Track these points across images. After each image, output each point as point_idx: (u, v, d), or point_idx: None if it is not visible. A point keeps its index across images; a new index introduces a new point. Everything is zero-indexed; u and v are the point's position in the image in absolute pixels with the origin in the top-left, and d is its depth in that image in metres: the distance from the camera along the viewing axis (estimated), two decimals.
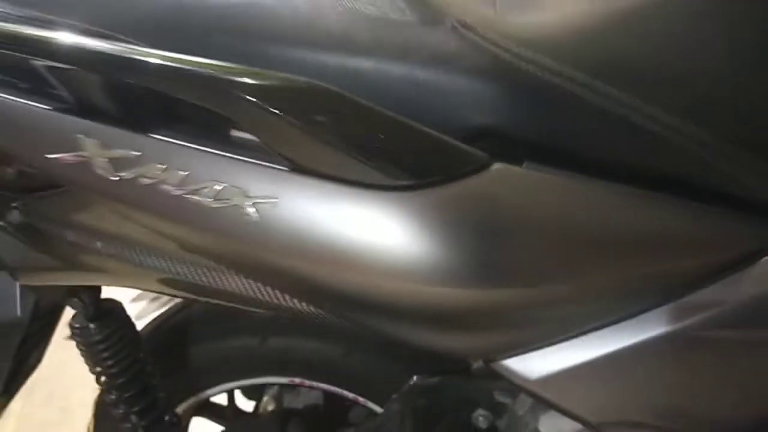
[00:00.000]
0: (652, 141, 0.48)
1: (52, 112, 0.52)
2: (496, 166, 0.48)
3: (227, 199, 0.49)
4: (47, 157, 0.52)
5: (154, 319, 0.87)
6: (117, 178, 0.51)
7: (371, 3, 0.52)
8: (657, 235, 0.50)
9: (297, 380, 0.84)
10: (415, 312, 0.53)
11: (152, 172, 0.50)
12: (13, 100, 0.53)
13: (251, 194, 0.49)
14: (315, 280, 0.52)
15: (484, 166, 0.47)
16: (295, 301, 0.56)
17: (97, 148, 0.50)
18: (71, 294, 0.73)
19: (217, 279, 0.57)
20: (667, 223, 0.50)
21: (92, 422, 0.93)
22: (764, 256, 0.50)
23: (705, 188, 0.50)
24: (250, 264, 0.53)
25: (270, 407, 0.92)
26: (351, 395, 0.84)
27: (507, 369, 0.57)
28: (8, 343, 0.77)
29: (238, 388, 0.87)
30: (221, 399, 0.95)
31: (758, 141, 0.49)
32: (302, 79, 0.46)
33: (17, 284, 0.77)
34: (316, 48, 0.50)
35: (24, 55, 0.51)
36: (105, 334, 0.75)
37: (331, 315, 0.56)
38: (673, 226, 0.50)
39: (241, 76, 0.45)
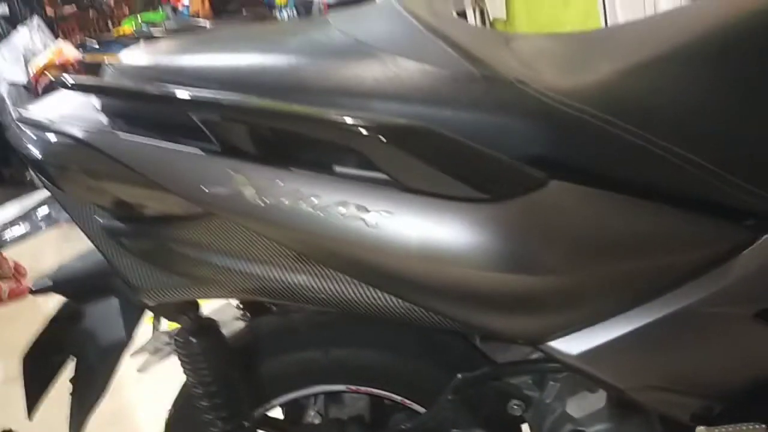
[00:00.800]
0: (663, 165, 0.66)
1: (204, 154, 0.67)
2: (553, 183, 0.64)
3: (352, 214, 0.64)
4: (202, 189, 0.66)
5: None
6: (263, 204, 0.65)
7: (446, 66, 0.68)
8: (668, 236, 0.67)
9: (353, 387, 0.97)
10: (487, 298, 0.68)
11: (291, 197, 0.64)
12: (171, 147, 0.68)
13: (371, 209, 0.64)
14: (414, 275, 0.67)
15: (543, 183, 0.64)
16: (391, 297, 0.71)
17: (245, 180, 0.65)
18: (180, 311, 0.85)
19: (327, 284, 0.71)
20: (676, 228, 0.67)
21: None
22: (744, 249, 0.68)
23: (703, 201, 0.66)
24: (364, 266, 0.68)
25: (319, 417, 1.04)
26: (398, 398, 0.97)
27: (551, 348, 0.72)
28: (113, 361, 0.89)
29: (301, 397, 0.98)
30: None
31: (745, 165, 0.66)
32: (412, 121, 0.62)
33: (118, 307, 0.89)
34: (408, 102, 0.67)
35: (182, 110, 0.66)
36: (203, 348, 0.87)
37: (419, 306, 0.70)
38: (681, 230, 0.67)
39: (368, 122, 0.61)
